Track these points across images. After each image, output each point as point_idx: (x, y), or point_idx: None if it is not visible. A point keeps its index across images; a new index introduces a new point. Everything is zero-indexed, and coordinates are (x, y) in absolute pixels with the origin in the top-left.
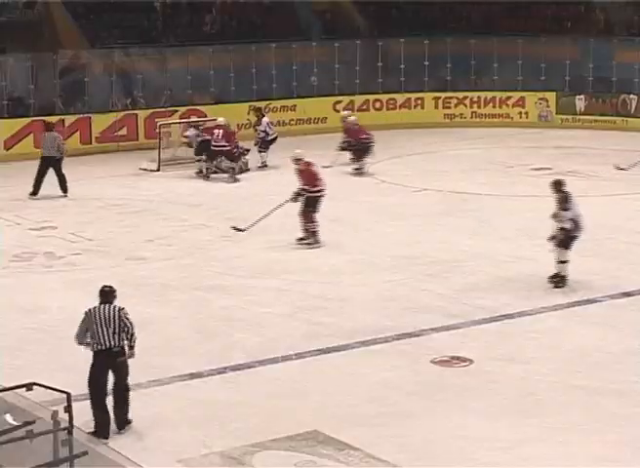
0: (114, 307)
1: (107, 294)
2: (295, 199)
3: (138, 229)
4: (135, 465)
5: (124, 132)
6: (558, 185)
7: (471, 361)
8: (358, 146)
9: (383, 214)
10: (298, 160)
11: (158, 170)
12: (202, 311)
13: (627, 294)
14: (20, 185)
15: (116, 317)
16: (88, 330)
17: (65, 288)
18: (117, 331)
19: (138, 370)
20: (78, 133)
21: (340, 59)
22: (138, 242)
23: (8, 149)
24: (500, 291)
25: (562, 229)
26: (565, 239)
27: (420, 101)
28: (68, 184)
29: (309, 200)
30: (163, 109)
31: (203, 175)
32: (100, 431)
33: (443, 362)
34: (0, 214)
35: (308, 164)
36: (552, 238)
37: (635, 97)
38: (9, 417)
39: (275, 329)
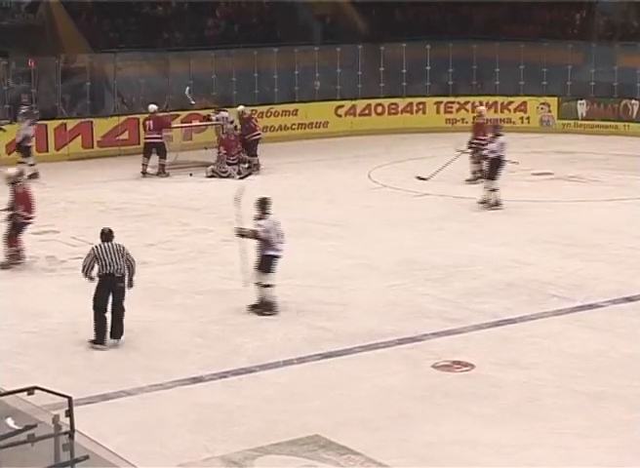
0: (117, 244)
1: (108, 235)
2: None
3: (139, 233)
4: None
5: (125, 136)
6: (262, 204)
7: (473, 365)
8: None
9: (385, 219)
10: (18, 178)
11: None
12: (203, 315)
13: (629, 299)
14: None
15: (120, 251)
16: (96, 262)
17: (67, 292)
18: (120, 261)
19: (139, 374)
20: (80, 137)
21: (341, 64)
22: (139, 246)
23: (10, 153)
24: (501, 295)
25: (254, 232)
26: (265, 262)
27: (421, 106)
28: (69, 188)
29: (17, 225)
30: (165, 113)
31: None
32: (98, 339)
33: (444, 366)
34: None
35: (28, 187)
36: (240, 230)
37: (637, 102)
38: (10, 421)
39: (277, 333)
